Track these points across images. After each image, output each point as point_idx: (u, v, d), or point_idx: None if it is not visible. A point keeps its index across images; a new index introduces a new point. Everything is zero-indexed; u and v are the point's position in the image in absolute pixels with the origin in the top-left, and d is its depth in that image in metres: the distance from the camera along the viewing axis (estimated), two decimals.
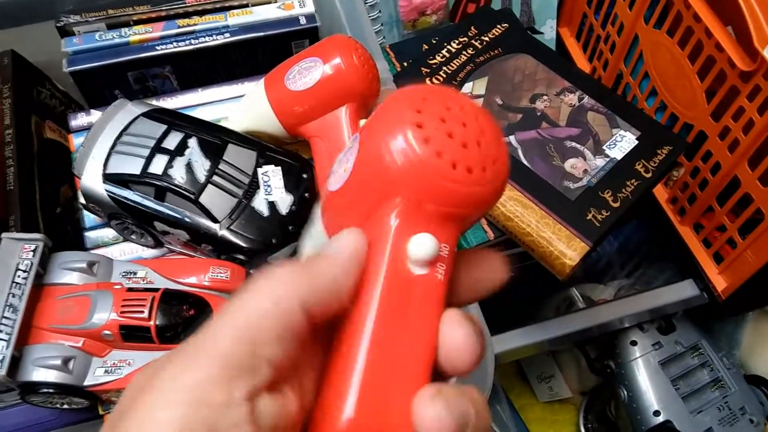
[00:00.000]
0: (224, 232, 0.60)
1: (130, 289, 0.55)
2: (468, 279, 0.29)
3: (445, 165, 0.25)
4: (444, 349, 0.26)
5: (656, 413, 0.82)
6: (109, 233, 0.65)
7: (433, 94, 0.26)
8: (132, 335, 0.53)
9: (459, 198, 0.25)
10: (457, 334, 0.26)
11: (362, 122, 0.63)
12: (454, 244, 0.27)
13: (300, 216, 0.63)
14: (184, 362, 0.23)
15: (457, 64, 0.74)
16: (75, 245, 0.66)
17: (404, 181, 0.25)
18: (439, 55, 0.74)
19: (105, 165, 0.60)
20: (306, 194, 0.64)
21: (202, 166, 0.61)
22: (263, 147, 0.65)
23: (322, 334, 0.27)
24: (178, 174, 0.60)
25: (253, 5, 0.75)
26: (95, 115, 0.70)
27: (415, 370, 0.26)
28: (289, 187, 0.63)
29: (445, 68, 0.73)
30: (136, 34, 0.72)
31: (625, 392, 0.85)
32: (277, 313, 0.24)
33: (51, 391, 0.52)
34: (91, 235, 0.66)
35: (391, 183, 0.26)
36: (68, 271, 0.56)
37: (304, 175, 0.64)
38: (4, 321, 0.51)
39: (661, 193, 0.83)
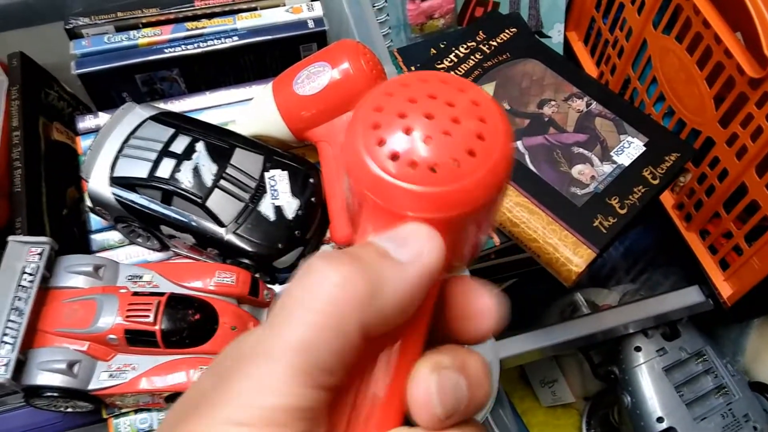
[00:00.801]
0: (230, 237, 0.60)
1: (135, 293, 0.55)
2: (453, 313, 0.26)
3: (401, 166, 0.22)
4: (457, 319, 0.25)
5: (660, 420, 0.82)
6: (115, 236, 0.66)
7: (401, 86, 0.24)
8: (137, 339, 0.53)
9: (425, 201, 0.23)
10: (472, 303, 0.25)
11: None
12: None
13: (306, 221, 0.63)
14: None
15: (465, 68, 0.73)
16: (81, 248, 0.66)
17: (362, 186, 0.23)
18: (446, 60, 0.74)
19: (112, 168, 0.61)
20: (312, 199, 0.64)
21: (209, 170, 0.61)
22: (270, 151, 0.65)
23: None
24: (185, 178, 0.60)
25: (262, 9, 0.75)
26: (103, 117, 0.70)
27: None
28: (295, 192, 0.63)
29: (453, 73, 0.73)
30: (144, 36, 0.72)
31: (629, 398, 0.85)
32: (336, 341, 0.21)
33: (55, 394, 0.52)
34: (97, 238, 0.66)
35: (355, 187, 0.24)
36: (74, 275, 0.56)
37: (311, 180, 0.64)
38: (9, 324, 0.51)
39: (667, 198, 0.83)
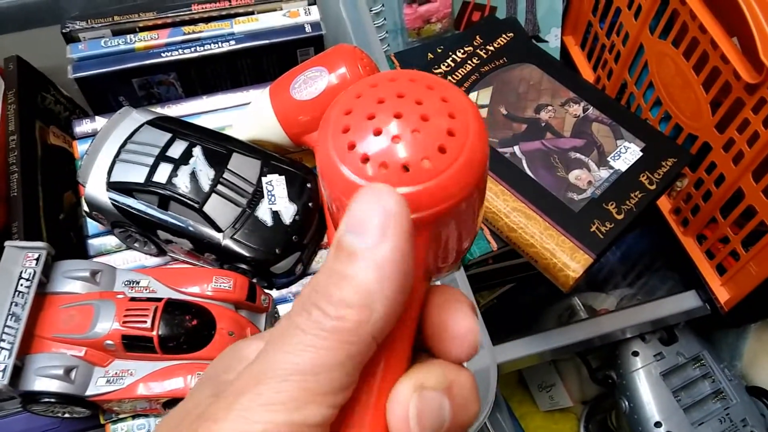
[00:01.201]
0: (228, 242, 0.60)
1: (132, 299, 0.55)
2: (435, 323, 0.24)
3: (373, 168, 0.22)
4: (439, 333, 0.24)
5: (657, 424, 0.82)
6: (112, 241, 0.65)
7: (369, 87, 0.24)
8: (134, 345, 0.53)
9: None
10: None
11: None
12: (421, 254, 0.24)
13: (304, 226, 0.63)
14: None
15: (462, 73, 0.74)
16: (78, 252, 0.66)
17: (336, 191, 0.23)
18: (443, 65, 0.74)
19: (109, 173, 0.60)
20: (310, 204, 0.64)
21: (206, 175, 0.61)
22: (267, 156, 0.65)
23: None
24: (183, 183, 0.60)
25: (259, 13, 0.75)
26: (100, 121, 0.70)
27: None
28: (292, 197, 0.63)
29: (450, 78, 0.73)
30: (141, 40, 0.72)
31: (627, 403, 0.85)
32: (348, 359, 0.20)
33: (53, 400, 0.52)
34: (94, 243, 0.66)
35: (330, 192, 0.24)
36: (71, 280, 0.56)
37: (308, 185, 0.64)
38: (6, 330, 0.51)
39: (664, 203, 0.83)
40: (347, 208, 0.22)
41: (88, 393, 0.53)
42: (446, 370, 0.23)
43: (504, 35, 0.77)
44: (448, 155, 0.22)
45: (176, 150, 0.61)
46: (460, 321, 0.24)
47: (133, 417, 0.58)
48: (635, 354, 0.85)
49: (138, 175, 0.60)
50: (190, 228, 0.60)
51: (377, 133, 0.22)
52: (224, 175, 0.61)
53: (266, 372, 0.20)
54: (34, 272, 0.54)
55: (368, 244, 0.21)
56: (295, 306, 0.22)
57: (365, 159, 0.22)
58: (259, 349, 0.22)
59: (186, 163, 0.61)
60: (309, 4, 0.77)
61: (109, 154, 0.61)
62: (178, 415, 0.23)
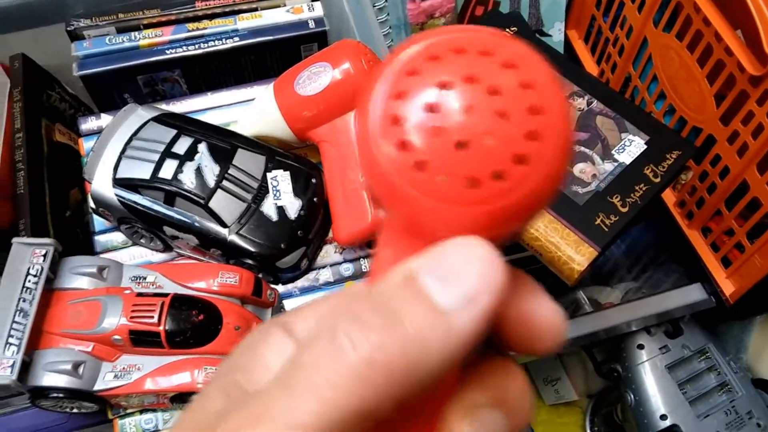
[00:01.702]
0: (233, 237, 0.60)
1: (139, 294, 0.55)
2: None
3: (429, 178, 0.18)
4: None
5: (663, 417, 0.82)
6: (118, 237, 0.66)
7: (429, 60, 0.18)
8: (141, 340, 0.54)
9: (461, 221, 0.18)
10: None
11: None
12: None
13: (309, 221, 0.63)
14: None
15: None
16: (85, 249, 0.66)
17: (383, 200, 0.19)
18: None
19: (115, 170, 0.61)
20: (314, 199, 0.64)
21: (211, 171, 0.61)
22: (272, 151, 0.65)
23: None
24: (188, 179, 0.60)
25: (263, 9, 0.76)
26: (105, 118, 0.70)
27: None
28: (297, 192, 0.63)
29: None
30: (145, 37, 0.73)
31: (632, 396, 0.85)
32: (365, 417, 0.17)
33: (61, 395, 0.53)
34: (100, 239, 0.66)
35: (375, 196, 0.19)
36: (78, 276, 0.56)
37: (313, 180, 0.65)
38: (14, 326, 0.51)
39: (669, 196, 0.83)
40: (437, 247, 0.18)
41: (96, 388, 0.54)
42: (496, 376, 0.20)
43: (507, 30, 0.77)
44: (528, 167, 0.18)
45: (181, 146, 0.62)
46: (540, 306, 0.20)
47: (141, 412, 0.58)
48: (640, 347, 0.85)
49: (144, 172, 0.60)
50: (196, 224, 0.60)
51: (437, 133, 0.18)
52: (229, 171, 0.62)
53: (272, 418, 0.17)
54: (42, 268, 0.54)
55: (447, 301, 0.17)
56: (322, 323, 0.18)
57: (420, 165, 0.18)
58: (281, 356, 0.19)
59: (191, 159, 0.61)
60: (312, 0, 0.77)
61: (114, 150, 0.61)
62: (188, 426, 0.20)
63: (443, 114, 0.18)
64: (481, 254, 0.18)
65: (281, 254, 0.61)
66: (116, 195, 0.60)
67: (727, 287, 0.77)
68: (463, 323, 0.17)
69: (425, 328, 0.17)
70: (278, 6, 0.76)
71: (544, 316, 0.20)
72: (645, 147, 0.68)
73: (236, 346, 0.22)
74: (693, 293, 0.82)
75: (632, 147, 0.68)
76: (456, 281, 0.17)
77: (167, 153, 0.61)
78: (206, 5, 0.75)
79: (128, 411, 0.58)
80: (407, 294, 0.18)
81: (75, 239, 0.68)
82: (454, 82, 0.18)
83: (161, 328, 0.53)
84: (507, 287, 0.18)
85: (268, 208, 0.62)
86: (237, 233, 0.60)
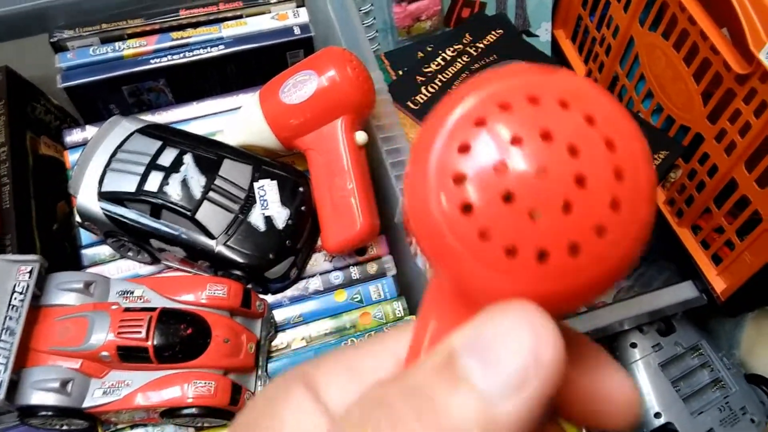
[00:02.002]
0: (221, 248, 0.60)
1: (127, 309, 0.55)
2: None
3: (494, 248, 0.16)
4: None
5: (657, 415, 0.82)
6: (105, 250, 0.65)
7: (499, 107, 0.16)
8: (130, 356, 0.53)
9: (518, 295, 0.16)
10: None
11: (358, 135, 0.63)
12: None
13: (297, 230, 0.63)
14: None
15: (452, 71, 0.73)
16: (72, 262, 0.66)
17: (433, 257, 0.17)
18: (434, 63, 0.74)
19: (100, 183, 0.60)
20: (302, 207, 0.63)
21: (197, 183, 0.61)
22: (259, 161, 0.64)
23: None
24: (174, 191, 0.60)
25: (247, 16, 0.75)
26: (90, 130, 0.70)
27: None
28: (285, 201, 0.63)
29: (440, 76, 0.73)
30: (129, 47, 0.72)
31: None
32: None
33: (50, 413, 0.52)
34: (87, 253, 0.66)
35: (423, 248, 0.17)
36: (65, 292, 0.56)
37: (301, 189, 0.64)
38: (1, 344, 0.51)
39: (658, 194, 0.83)
40: (481, 316, 0.16)
41: (85, 405, 0.53)
42: None
43: (493, 32, 0.77)
44: (606, 241, 0.16)
45: (167, 158, 0.61)
46: (609, 379, 0.18)
47: (131, 427, 0.58)
48: (633, 345, 0.85)
49: (129, 185, 0.60)
50: (183, 236, 0.60)
51: (507, 198, 0.15)
52: (216, 182, 0.61)
53: None
54: (28, 285, 0.54)
55: (495, 388, 0.15)
56: (351, 410, 0.16)
57: (484, 233, 0.16)
58: (301, 420, 0.18)
59: (177, 170, 0.61)
60: (297, 6, 0.77)
61: (99, 163, 0.61)
62: None
63: (515, 176, 0.15)
64: (531, 325, 0.15)
65: (270, 264, 0.61)
66: (102, 209, 0.60)
67: (718, 284, 0.77)
68: (508, 413, 0.15)
69: (465, 420, 0.15)
70: (263, 13, 0.76)
71: (614, 390, 0.18)
72: None
73: (255, 398, 0.20)
74: (684, 291, 0.82)
75: None
76: (499, 362, 0.15)
77: (152, 165, 0.61)
78: (190, 14, 0.75)
79: (118, 427, 0.58)
80: (445, 379, 0.15)
81: (63, 253, 0.68)
82: (528, 138, 0.16)
83: (149, 343, 0.53)
84: (564, 364, 0.15)
85: (256, 218, 0.61)
86: (224, 244, 0.60)
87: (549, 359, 0.15)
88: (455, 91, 0.17)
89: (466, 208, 0.16)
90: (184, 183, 0.60)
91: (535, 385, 0.15)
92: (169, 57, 0.72)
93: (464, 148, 0.16)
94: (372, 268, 0.66)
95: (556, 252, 0.15)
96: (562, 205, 0.15)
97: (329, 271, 0.65)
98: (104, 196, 0.60)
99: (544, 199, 0.15)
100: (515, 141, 0.16)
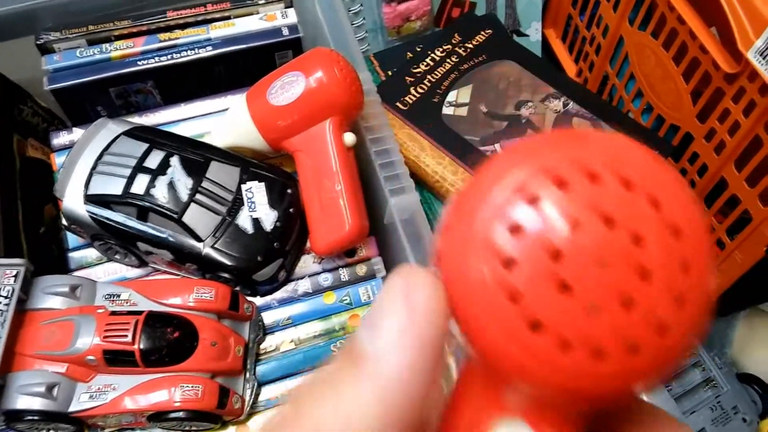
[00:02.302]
0: (208, 251, 0.59)
1: (113, 313, 0.54)
2: None
3: (541, 342, 0.14)
4: None
5: None
6: (93, 253, 0.65)
7: (556, 181, 0.15)
8: (116, 360, 0.53)
9: (571, 391, 0.15)
10: None
11: (346, 136, 0.62)
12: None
13: (285, 232, 0.62)
14: None
15: (442, 72, 0.73)
16: (59, 265, 0.66)
17: (473, 341, 0.16)
18: (423, 64, 0.74)
19: (86, 186, 0.60)
20: (291, 209, 0.63)
21: (184, 185, 0.60)
22: (246, 163, 0.64)
23: None
24: (161, 193, 0.59)
25: (235, 17, 0.75)
26: (77, 132, 0.69)
27: None
28: (273, 203, 0.62)
29: (429, 77, 0.73)
30: (117, 49, 0.72)
31: None
32: None
33: (36, 418, 0.52)
34: (74, 256, 0.65)
35: (461, 329, 0.16)
36: (51, 296, 0.56)
37: (289, 190, 0.64)
38: None
39: None
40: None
41: (71, 409, 0.53)
42: None
43: (483, 32, 0.76)
44: (668, 339, 0.14)
45: (153, 160, 0.61)
46: None
47: (119, 431, 0.58)
48: None
49: (115, 187, 0.59)
50: (170, 239, 0.59)
51: (563, 290, 0.14)
52: (203, 184, 0.61)
53: None
54: (13, 289, 0.53)
55: (380, 345, 0.16)
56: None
57: (535, 325, 0.14)
58: None
59: (163, 173, 0.60)
60: (286, 7, 0.76)
61: (85, 166, 0.61)
62: None
63: (573, 266, 0.14)
64: (403, 279, 0.16)
65: (258, 267, 0.60)
66: (88, 212, 0.60)
67: None
68: (397, 363, 0.15)
69: (358, 389, 0.16)
70: (251, 14, 0.75)
71: None
72: None
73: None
74: None
75: None
76: (382, 322, 0.16)
77: (139, 168, 0.60)
78: (178, 15, 0.74)
79: (105, 431, 0.57)
80: (347, 360, 0.16)
81: (50, 255, 0.67)
82: (589, 222, 0.14)
83: (135, 346, 0.53)
84: (440, 305, 0.16)
85: (244, 220, 0.61)
86: (212, 247, 0.59)
87: (421, 303, 0.15)
88: (505, 154, 0.16)
89: (515, 296, 0.14)
90: (171, 185, 0.60)
91: (415, 332, 0.15)
92: (157, 58, 0.71)
93: (516, 229, 0.14)
94: (361, 269, 0.65)
95: (614, 351, 0.14)
96: (624, 300, 0.14)
97: (318, 273, 0.65)
98: (90, 199, 0.60)
99: (603, 292, 0.14)
100: (574, 225, 0.14)
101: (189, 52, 0.72)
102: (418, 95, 0.73)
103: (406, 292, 0.16)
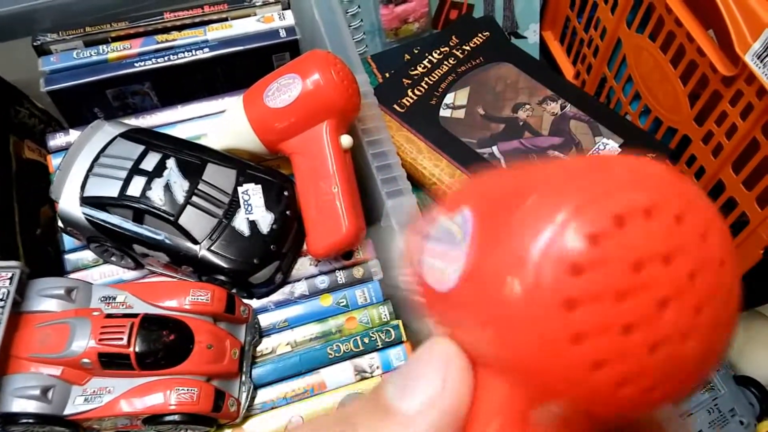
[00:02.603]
0: (205, 253, 0.59)
1: (108, 315, 0.54)
2: None
3: (604, 380, 0.14)
4: None
5: None
6: (89, 255, 0.65)
7: (613, 224, 0.14)
8: (111, 363, 0.53)
9: (616, 418, 0.16)
10: None
11: (343, 138, 0.62)
12: None
13: (282, 234, 0.62)
14: None
15: (439, 74, 0.73)
16: (55, 267, 0.65)
17: (524, 377, 0.16)
18: (420, 66, 0.74)
19: (82, 188, 0.60)
20: (287, 212, 0.63)
21: (180, 187, 0.60)
22: (243, 165, 0.64)
23: None
24: (157, 196, 0.59)
25: (233, 19, 0.75)
26: (74, 134, 0.69)
27: None
28: (269, 205, 0.62)
29: (426, 79, 0.73)
30: (114, 51, 0.72)
31: None
32: None
33: (31, 421, 0.52)
34: (71, 258, 0.65)
35: (509, 362, 0.16)
36: (46, 298, 0.55)
37: (285, 193, 0.64)
38: None
39: None
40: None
41: (66, 412, 0.53)
42: None
43: (480, 34, 0.76)
44: (710, 366, 0.15)
45: (149, 162, 0.61)
46: None
47: None
48: None
49: (111, 189, 0.59)
50: (166, 241, 0.59)
51: (627, 332, 0.14)
52: (199, 186, 0.61)
53: None
54: (8, 292, 0.53)
55: (407, 409, 0.17)
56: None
57: (597, 365, 0.14)
58: None
59: (160, 175, 0.60)
60: (283, 9, 0.76)
61: (81, 168, 0.60)
62: None
63: (637, 308, 0.14)
64: (443, 359, 0.18)
65: (254, 269, 0.60)
66: (84, 214, 0.59)
67: None
68: (425, 427, 0.17)
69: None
70: (249, 15, 0.75)
71: None
72: (619, 150, 0.68)
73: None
74: None
75: (606, 150, 0.68)
76: (417, 387, 0.17)
77: (135, 170, 0.60)
78: (175, 16, 0.74)
79: None
80: (371, 405, 0.18)
81: (46, 257, 0.67)
82: (651, 263, 0.14)
83: (131, 349, 0.52)
84: (469, 385, 0.17)
85: (240, 222, 0.61)
86: (208, 249, 0.59)
87: (455, 378, 0.17)
88: (546, 177, 0.15)
89: (578, 337, 0.14)
90: (167, 188, 0.60)
91: (445, 402, 0.17)
92: (154, 60, 0.71)
93: (577, 270, 0.14)
94: (358, 272, 0.65)
95: (667, 385, 0.14)
96: (682, 337, 0.14)
97: (315, 276, 0.65)
98: (86, 201, 0.59)
99: (665, 332, 0.14)
100: (637, 267, 0.14)
101: (186, 53, 0.72)
102: (415, 97, 0.73)
103: (443, 363, 0.17)
